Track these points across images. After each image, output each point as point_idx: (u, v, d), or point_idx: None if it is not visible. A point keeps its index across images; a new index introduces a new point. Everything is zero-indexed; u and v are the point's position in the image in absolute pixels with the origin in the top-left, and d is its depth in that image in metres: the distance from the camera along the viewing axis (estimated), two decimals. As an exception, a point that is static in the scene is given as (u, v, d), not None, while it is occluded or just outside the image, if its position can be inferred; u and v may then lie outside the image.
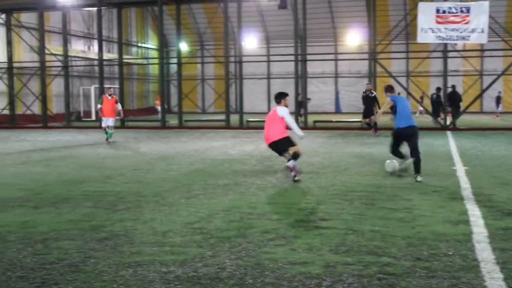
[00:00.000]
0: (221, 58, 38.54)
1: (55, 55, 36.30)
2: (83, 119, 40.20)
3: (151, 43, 55.20)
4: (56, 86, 39.47)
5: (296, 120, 30.15)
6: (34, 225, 7.79)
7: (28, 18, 38.46)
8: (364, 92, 24.79)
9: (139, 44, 53.56)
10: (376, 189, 10.56)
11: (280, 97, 12.26)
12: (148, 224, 7.77)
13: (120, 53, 34.80)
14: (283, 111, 12.02)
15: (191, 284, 5.31)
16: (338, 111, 50.87)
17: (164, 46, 35.95)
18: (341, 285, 5.25)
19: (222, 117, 33.07)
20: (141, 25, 53.86)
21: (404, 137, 12.30)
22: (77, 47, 43.67)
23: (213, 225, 7.64)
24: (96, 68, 41.55)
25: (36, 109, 36.83)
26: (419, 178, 11.48)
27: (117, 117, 23.34)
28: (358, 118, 32.58)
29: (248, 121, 31.47)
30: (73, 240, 6.96)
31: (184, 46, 47.67)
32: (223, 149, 18.77)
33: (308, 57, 33.80)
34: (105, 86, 32.67)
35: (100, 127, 23.76)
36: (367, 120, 23.87)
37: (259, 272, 5.62)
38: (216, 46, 51.93)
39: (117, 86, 38.96)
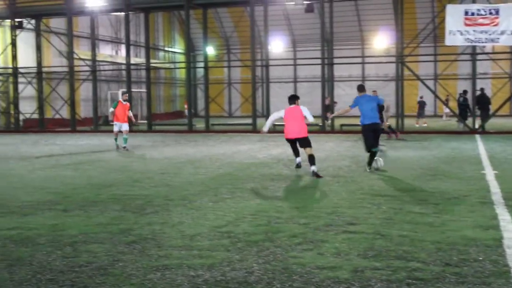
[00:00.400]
0: (248, 62, 38.54)
1: (83, 59, 36.64)
2: (111, 123, 40.50)
3: (178, 47, 55.47)
4: (84, 91, 39.85)
5: (324, 124, 30.07)
6: (63, 228, 7.86)
7: (57, 23, 38.89)
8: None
9: (166, 49, 53.84)
10: (404, 193, 10.48)
11: (294, 99, 13.68)
12: (176, 227, 7.80)
13: (148, 58, 35.00)
14: (306, 110, 13.43)
15: (219, 288, 5.32)
16: (365, 114, 50.57)
17: (191, 50, 36.12)
18: (370, 290, 5.22)
19: (249, 121, 33.10)
20: (168, 29, 54.16)
21: (369, 131, 14.00)
22: (105, 51, 44.04)
23: (240, 229, 7.64)
24: (124, 73, 41.85)
25: (65, 113, 37.19)
26: (368, 169, 13.68)
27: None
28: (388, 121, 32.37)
29: (274, 125, 31.42)
30: (102, 243, 7.01)
31: (210, 50, 47.81)
32: (250, 152, 18.78)
33: (335, 60, 33.69)
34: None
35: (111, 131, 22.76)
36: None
37: (287, 277, 5.60)
38: (242, 50, 52.02)
39: (144, 90, 39.22)
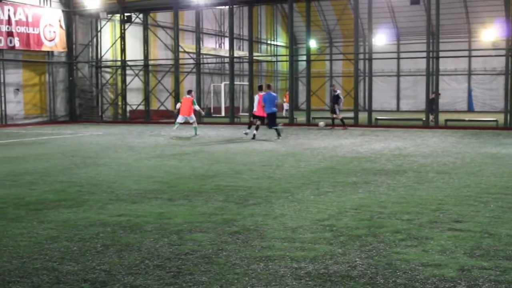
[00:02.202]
0: (350, 55, 38.22)
1: (188, 52, 37.46)
2: (213, 115, 41.24)
3: (280, 41, 55.69)
4: (188, 83, 40.74)
5: (427, 118, 29.43)
6: (169, 216, 8.09)
7: (163, 17, 39.97)
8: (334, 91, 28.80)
9: (269, 42, 54.18)
10: (514, 191, 10.09)
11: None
12: (278, 219, 7.86)
13: (250, 51, 35.34)
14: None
15: (322, 281, 5.31)
16: (470, 109, 49.07)
17: (293, 43, 36.11)
18: (477, 290, 5.08)
19: (350, 114, 32.83)
20: (271, 22, 54.46)
21: (269, 117, 22.03)
22: (209, 44, 44.84)
23: (343, 223, 7.61)
24: (227, 65, 42.48)
25: (169, 105, 38.17)
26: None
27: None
28: (493, 117, 31.36)
29: (377, 119, 31.05)
30: (206, 232, 7.16)
31: (313, 43, 47.69)
32: (352, 147, 18.63)
33: (441, 53, 32.82)
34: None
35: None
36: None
37: (390, 273, 5.54)
38: (345, 43, 51.64)
39: (247, 83, 39.66)
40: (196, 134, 24.12)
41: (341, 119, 28.16)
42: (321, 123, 28.69)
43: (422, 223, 7.58)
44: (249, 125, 24.22)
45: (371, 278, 5.38)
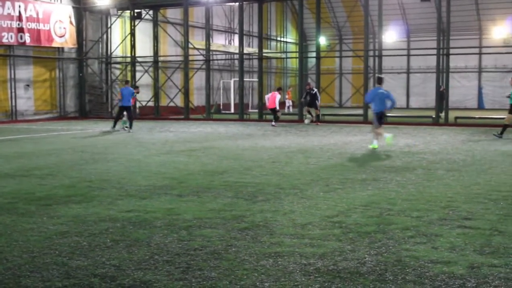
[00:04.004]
0: (360, 52, 38.13)
1: (197, 49, 37.47)
2: (223, 112, 41.26)
3: (290, 37, 55.61)
4: (197, 79, 40.78)
5: (438, 116, 29.35)
6: (178, 212, 8.11)
7: (173, 14, 39.99)
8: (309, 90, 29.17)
9: (278, 38, 54.12)
10: (524, 189, 10.05)
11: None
12: (288, 216, 7.86)
13: (260, 47, 35.30)
14: None
15: (331, 277, 5.32)
16: (481, 107, 48.82)
17: (303, 40, 36.09)
18: None
19: (360, 111, 32.75)
20: (280, 19, 54.38)
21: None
22: (218, 41, 44.82)
23: (352, 220, 7.60)
24: (236, 62, 42.48)
25: (179, 101, 38.22)
26: None
27: None
28: (503, 114, 31.19)
29: (386, 116, 30.94)
30: (215, 228, 7.17)
31: (322, 40, 47.60)
32: (361, 143, 18.61)
33: (451, 51, 32.69)
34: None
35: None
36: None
37: (399, 269, 5.53)
38: (354, 40, 51.48)
39: (256, 79, 39.64)
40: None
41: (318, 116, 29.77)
42: (306, 120, 29.39)
43: (431, 220, 7.56)
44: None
45: (380, 275, 5.38)
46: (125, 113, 25.66)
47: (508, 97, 21.35)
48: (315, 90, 29.74)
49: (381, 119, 17.61)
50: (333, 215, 7.90)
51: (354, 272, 5.45)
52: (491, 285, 5.10)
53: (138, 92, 27.66)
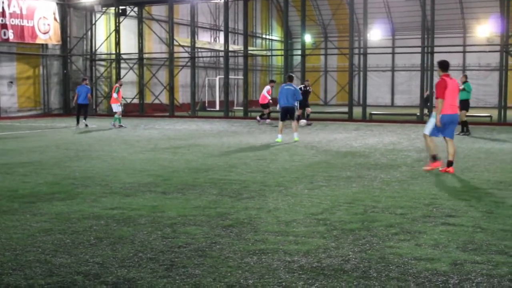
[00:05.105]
0: (345, 49, 38.22)
1: (182, 46, 37.41)
2: (208, 109, 41.21)
3: (275, 35, 55.64)
4: (182, 77, 40.69)
5: (422, 114, 29.48)
6: (162, 209, 8.08)
7: (158, 11, 39.86)
8: (304, 87, 27.30)
9: (264, 36, 54.12)
10: (507, 187, 10.12)
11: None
12: (272, 213, 7.87)
13: (245, 45, 35.29)
14: None
15: (315, 274, 5.33)
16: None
17: (288, 37, 36.10)
18: (469, 284, 5.08)
19: (345, 109, 32.83)
20: (265, 16, 54.40)
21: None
22: (204, 38, 44.76)
23: (336, 217, 7.62)
24: (221, 59, 42.43)
25: (164, 98, 38.12)
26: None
27: None
28: (487, 112, 31.38)
29: (371, 114, 31.08)
30: (200, 226, 7.16)
31: (308, 38, 47.66)
32: (346, 141, 18.66)
33: (436, 49, 32.84)
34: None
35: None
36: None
37: (383, 266, 5.55)
38: (339, 38, 51.65)
39: (241, 77, 39.62)
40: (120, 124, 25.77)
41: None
42: (302, 122, 28.32)
43: (415, 218, 7.59)
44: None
45: (364, 272, 5.39)
46: (114, 110, 25.77)
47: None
48: (310, 88, 28.89)
49: (286, 114, 18.79)
50: (317, 212, 7.91)
51: (338, 269, 5.46)
52: (473, 282, 5.13)
53: (121, 85, 27.36)
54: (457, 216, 7.71)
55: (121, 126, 25.13)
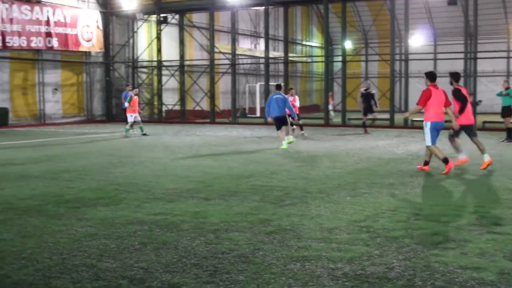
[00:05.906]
0: (386, 56, 37.96)
1: (223, 53, 37.61)
2: (248, 116, 41.30)
3: (316, 41, 55.56)
4: (223, 83, 40.87)
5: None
6: (205, 216, 8.13)
7: (199, 18, 40.17)
8: (364, 90, 26.30)
9: (304, 42, 54.07)
10: (554, 194, 9.91)
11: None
12: (315, 220, 7.84)
13: (286, 51, 35.32)
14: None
15: (359, 282, 5.29)
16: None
17: (328, 44, 36.04)
18: (518, 294, 5.01)
19: (386, 116, 32.59)
20: (306, 23, 54.39)
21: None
22: (244, 45, 44.94)
23: (379, 224, 7.56)
24: (262, 66, 42.52)
25: (205, 105, 38.35)
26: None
27: None
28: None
29: (413, 121, 30.76)
30: (243, 232, 7.18)
31: (348, 44, 47.46)
32: (388, 148, 18.51)
33: (479, 54, 32.40)
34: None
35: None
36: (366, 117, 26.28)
37: (428, 275, 5.49)
38: (380, 44, 51.25)
39: (282, 83, 39.60)
40: (143, 133, 24.56)
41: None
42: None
43: (460, 226, 7.49)
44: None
45: (408, 280, 5.34)
46: (128, 120, 24.43)
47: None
48: (373, 91, 27.23)
49: (280, 123, 18.77)
50: (360, 219, 7.86)
51: (382, 277, 5.41)
52: (522, 292, 5.04)
53: (136, 94, 25.55)
54: (503, 224, 7.58)
55: (144, 134, 24.15)
